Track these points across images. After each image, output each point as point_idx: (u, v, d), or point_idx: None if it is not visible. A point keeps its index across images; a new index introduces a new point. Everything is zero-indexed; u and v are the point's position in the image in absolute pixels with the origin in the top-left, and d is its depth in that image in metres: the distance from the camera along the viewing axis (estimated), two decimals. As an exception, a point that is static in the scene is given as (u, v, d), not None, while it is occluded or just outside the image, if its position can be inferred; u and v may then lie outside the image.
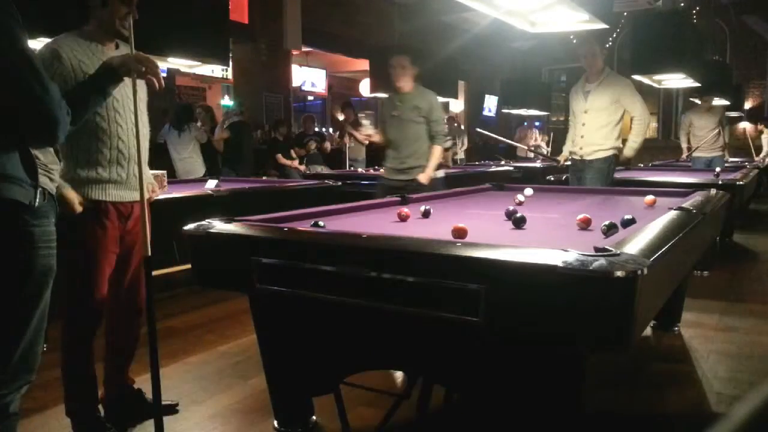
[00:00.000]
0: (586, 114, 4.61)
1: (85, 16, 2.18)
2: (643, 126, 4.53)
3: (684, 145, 8.02)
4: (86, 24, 2.19)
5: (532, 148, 9.88)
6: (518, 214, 2.37)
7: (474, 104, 14.28)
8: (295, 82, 10.76)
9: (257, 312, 2.17)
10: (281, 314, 2.08)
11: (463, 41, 11.80)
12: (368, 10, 10.80)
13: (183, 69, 5.31)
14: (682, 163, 8.55)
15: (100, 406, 2.37)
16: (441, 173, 4.36)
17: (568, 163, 4.90)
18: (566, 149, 4.90)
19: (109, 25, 2.17)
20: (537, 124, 14.67)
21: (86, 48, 2.13)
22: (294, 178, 6.72)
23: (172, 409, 2.51)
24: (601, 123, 4.53)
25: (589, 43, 4.60)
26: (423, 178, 4.04)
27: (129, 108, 2.22)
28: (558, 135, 13.40)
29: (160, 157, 5.38)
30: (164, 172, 3.75)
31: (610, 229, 2.05)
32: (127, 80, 2.27)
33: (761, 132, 10.13)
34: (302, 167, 7.68)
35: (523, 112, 10.37)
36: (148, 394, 2.51)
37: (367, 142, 7.88)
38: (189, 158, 6.30)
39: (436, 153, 4.11)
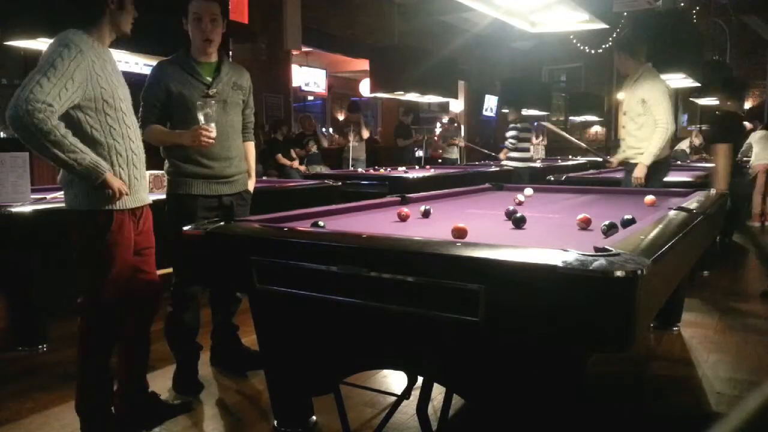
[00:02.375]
0: (624, 116, 4.48)
1: (89, 17, 2.18)
2: (665, 133, 4.19)
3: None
4: (94, 24, 2.19)
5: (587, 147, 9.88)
6: (518, 214, 2.37)
7: (474, 104, 14.28)
8: (295, 82, 10.76)
9: (257, 312, 2.17)
10: (281, 314, 2.08)
11: (463, 41, 11.81)
12: (368, 10, 10.80)
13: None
14: (681, 163, 8.57)
15: (112, 408, 2.36)
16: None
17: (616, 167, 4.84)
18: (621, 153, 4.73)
19: (120, 27, 2.24)
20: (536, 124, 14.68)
21: (91, 47, 2.15)
22: (294, 178, 6.73)
23: (188, 407, 2.52)
24: (636, 125, 4.33)
25: (615, 48, 4.53)
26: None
27: (130, 110, 2.28)
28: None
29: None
30: (163, 172, 3.74)
31: (610, 229, 2.05)
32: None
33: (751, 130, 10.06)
34: (302, 167, 7.68)
35: (523, 111, 10.37)
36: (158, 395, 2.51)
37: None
38: None
39: None
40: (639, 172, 4.17)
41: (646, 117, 4.26)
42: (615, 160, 4.83)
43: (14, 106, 1.95)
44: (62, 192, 3.31)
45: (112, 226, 2.20)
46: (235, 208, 2.79)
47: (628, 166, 4.46)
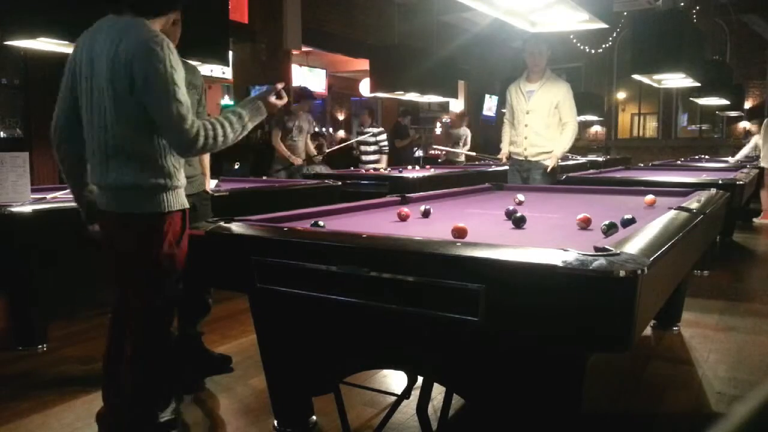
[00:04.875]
0: (528, 115, 4.60)
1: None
2: (573, 134, 4.56)
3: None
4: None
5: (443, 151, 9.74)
6: (518, 214, 2.37)
7: (474, 104, 14.28)
8: (295, 82, 10.76)
9: (257, 312, 2.17)
10: (281, 314, 2.08)
11: (463, 41, 11.80)
12: (368, 10, 10.80)
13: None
14: (681, 163, 8.57)
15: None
16: None
17: (505, 164, 4.95)
18: (506, 147, 4.87)
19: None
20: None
21: None
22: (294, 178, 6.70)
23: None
24: (544, 124, 4.54)
25: (537, 40, 4.54)
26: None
27: None
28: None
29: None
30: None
31: (610, 229, 2.05)
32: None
33: (748, 132, 10.08)
34: (300, 161, 7.59)
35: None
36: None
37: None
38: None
39: None
40: (555, 163, 4.60)
41: (554, 117, 4.52)
42: (503, 155, 4.93)
43: (181, 141, 1.95)
44: (64, 192, 3.31)
45: (185, 226, 2.13)
46: (198, 207, 2.78)
47: (532, 164, 4.66)
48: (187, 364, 2.89)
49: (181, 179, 2.11)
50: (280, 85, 2.18)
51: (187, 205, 2.15)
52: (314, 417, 2.32)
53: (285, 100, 2.20)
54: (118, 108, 1.95)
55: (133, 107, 1.94)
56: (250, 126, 2.11)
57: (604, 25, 3.55)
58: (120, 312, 2.23)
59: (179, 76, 1.94)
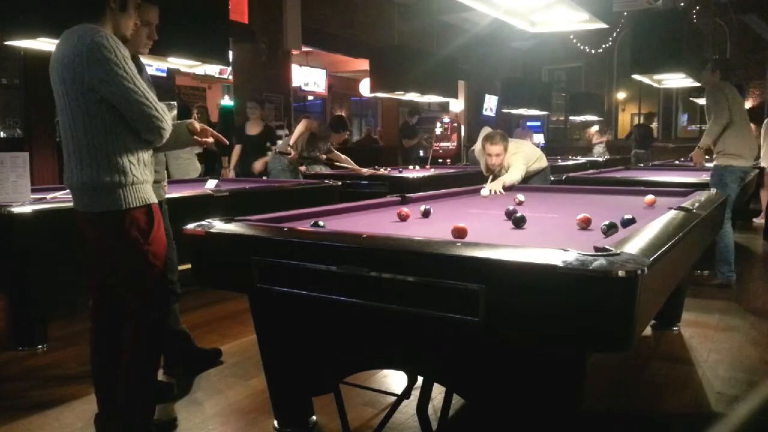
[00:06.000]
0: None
1: (90, 15, 2.11)
2: (514, 177, 4.28)
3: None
4: (97, 23, 2.11)
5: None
6: (518, 214, 2.37)
7: (474, 104, 14.27)
8: (295, 82, 10.76)
9: (257, 312, 2.17)
10: (281, 314, 2.08)
11: (463, 41, 11.81)
12: (368, 10, 10.79)
13: (183, 69, 5.32)
14: (680, 163, 8.58)
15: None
16: None
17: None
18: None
19: (120, 29, 2.18)
20: (529, 124, 14.64)
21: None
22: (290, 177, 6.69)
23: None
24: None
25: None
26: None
27: None
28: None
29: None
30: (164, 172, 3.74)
31: (610, 229, 2.05)
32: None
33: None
34: (302, 167, 7.62)
35: (523, 111, 10.38)
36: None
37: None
38: (186, 159, 6.28)
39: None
40: (498, 186, 4.16)
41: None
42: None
43: (149, 123, 2.08)
44: (64, 192, 3.31)
45: (153, 222, 2.18)
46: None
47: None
48: (178, 364, 2.90)
49: (140, 175, 2.13)
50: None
51: (150, 201, 2.17)
52: (314, 417, 2.32)
53: (210, 140, 2.37)
54: (74, 109, 2.04)
55: (85, 107, 2.02)
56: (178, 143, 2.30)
57: (603, 25, 3.56)
58: (99, 316, 2.28)
59: (127, 63, 2.02)
